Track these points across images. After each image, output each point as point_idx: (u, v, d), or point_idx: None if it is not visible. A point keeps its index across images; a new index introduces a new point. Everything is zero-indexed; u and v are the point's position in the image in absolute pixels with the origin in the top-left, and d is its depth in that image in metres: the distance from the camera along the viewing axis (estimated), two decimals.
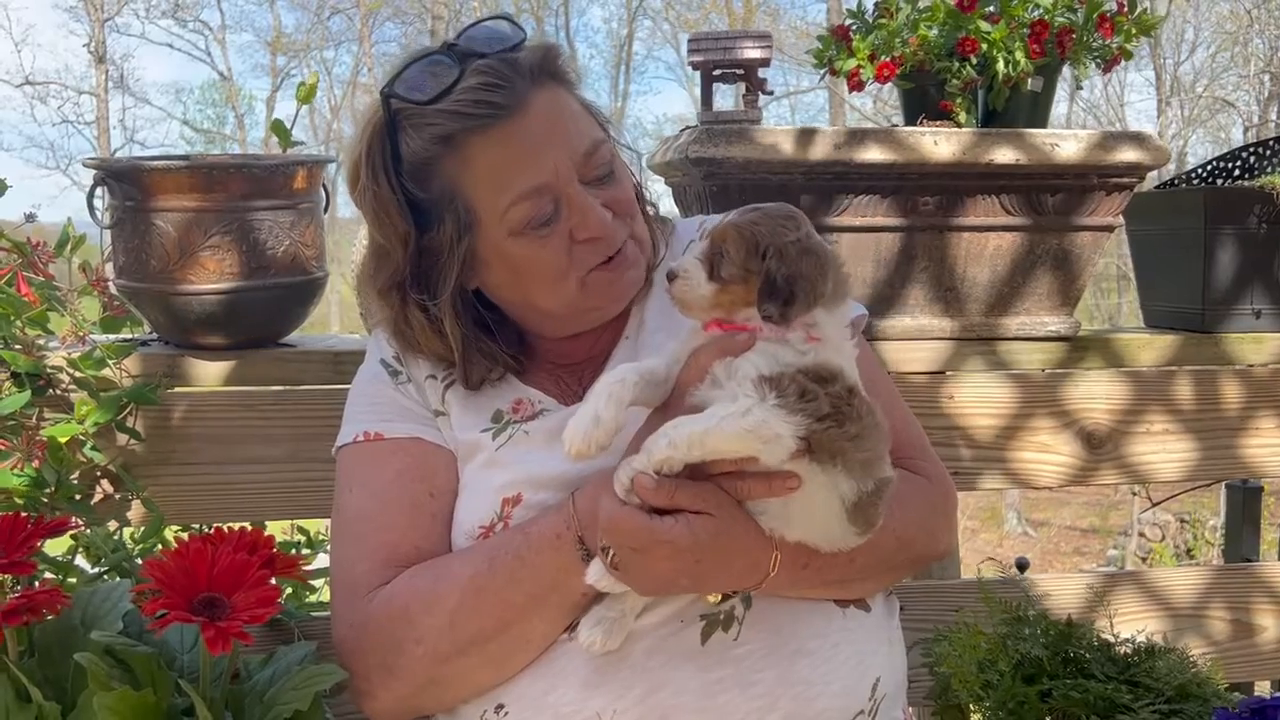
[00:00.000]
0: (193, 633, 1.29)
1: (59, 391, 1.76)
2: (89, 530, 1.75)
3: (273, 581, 1.23)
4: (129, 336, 1.92)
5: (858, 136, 1.93)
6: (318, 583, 2.03)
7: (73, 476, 1.72)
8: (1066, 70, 2.12)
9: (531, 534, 1.27)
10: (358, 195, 1.37)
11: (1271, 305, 2.14)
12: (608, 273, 1.37)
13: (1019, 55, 2.00)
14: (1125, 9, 2.05)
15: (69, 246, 1.82)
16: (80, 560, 1.74)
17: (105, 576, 1.72)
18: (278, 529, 2.37)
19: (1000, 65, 1.99)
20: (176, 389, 1.84)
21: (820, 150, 1.90)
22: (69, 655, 1.19)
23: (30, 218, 1.95)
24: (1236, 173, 2.29)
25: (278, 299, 1.87)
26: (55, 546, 1.57)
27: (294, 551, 2.11)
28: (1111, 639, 1.59)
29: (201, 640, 1.14)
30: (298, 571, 1.40)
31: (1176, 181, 2.37)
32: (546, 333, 1.45)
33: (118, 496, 1.79)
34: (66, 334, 1.76)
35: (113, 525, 1.81)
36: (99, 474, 1.77)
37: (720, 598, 1.25)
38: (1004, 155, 1.94)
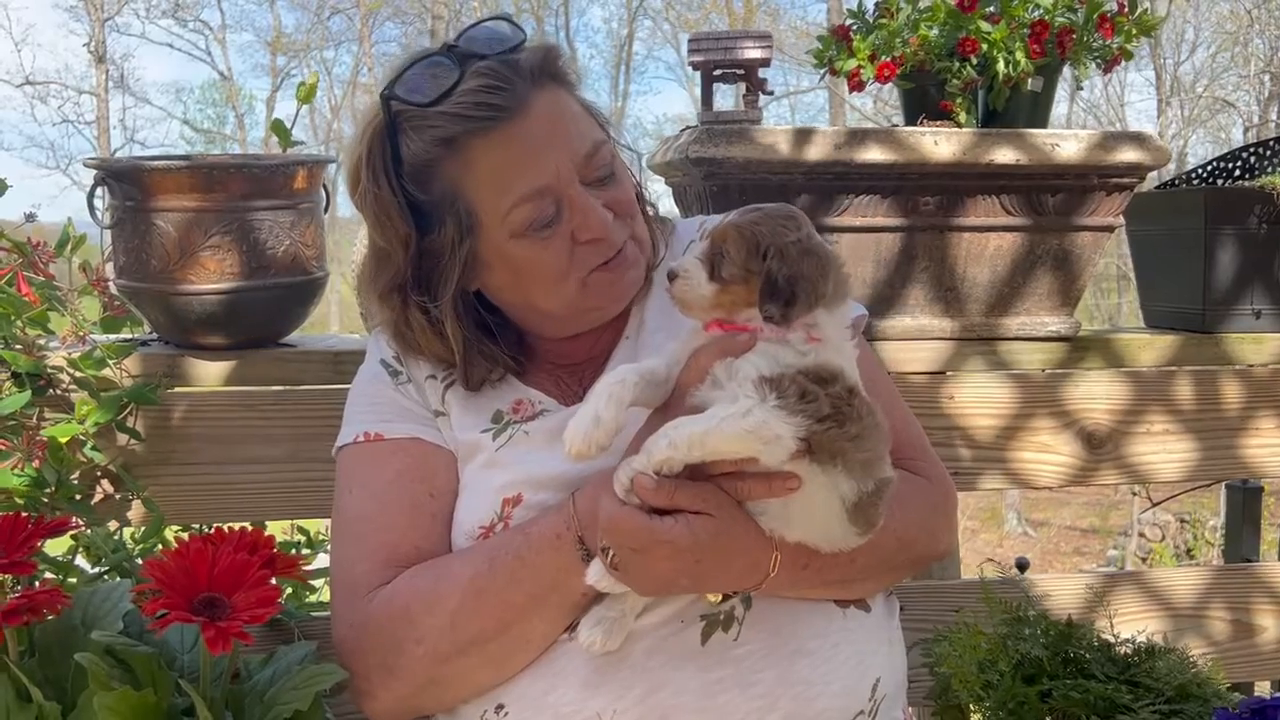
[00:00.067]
0: (193, 633, 1.29)
1: (59, 391, 1.77)
2: (89, 530, 1.75)
3: (273, 581, 1.23)
4: (129, 336, 1.92)
5: (858, 136, 1.93)
6: (318, 583, 2.03)
7: (73, 476, 1.72)
8: (1067, 70, 2.12)
9: (532, 534, 1.27)
10: (358, 198, 1.37)
11: (1272, 305, 2.14)
12: (608, 273, 1.37)
13: (1019, 55, 2.00)
14: (1125, 9, 2.05)
15: (69, 246, 1.82)
16: (80, 560, 1.75)
17: (105, 576, 1.72)
18: (278, 529, 2.37)
19: (1000, 65, 2.00)
20: (177, 389, 1.84)
21: (820, 150, 1.90)
22: (69, 655, 1.19)
23: (30, 218, 1.95)
24: (1237, 173, 2.29)
25: (278, 299, 1.87)
26: (55, 546, 1.57)
27: (294, 551, 2.11)
28: (1112, 639, 1.59)
29: (202, 640, 1.14)
30: (298, 571, 1.40)
31: (1177, 182, 2.37)
32: (547, 333, 1.45)
33: (118, 496, 1.79)
34: (67, 334, 1.76)
35: (113, 525, 1.81)
36: (99, 474, 1.77)
37: (720, 598, 1.25)
38: (1004, 155, 1.94)
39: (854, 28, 2.14)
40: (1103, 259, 2.26)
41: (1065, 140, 1.96)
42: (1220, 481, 2.89)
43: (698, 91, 2.13)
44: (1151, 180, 2.38)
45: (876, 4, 2.13)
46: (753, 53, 2.01)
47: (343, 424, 1.46)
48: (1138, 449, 2.10)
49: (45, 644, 1.25)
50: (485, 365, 1.41)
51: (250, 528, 1.33)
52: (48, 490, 1.68)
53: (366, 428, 1.42)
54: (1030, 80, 2.02)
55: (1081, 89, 2.34)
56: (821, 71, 2.20)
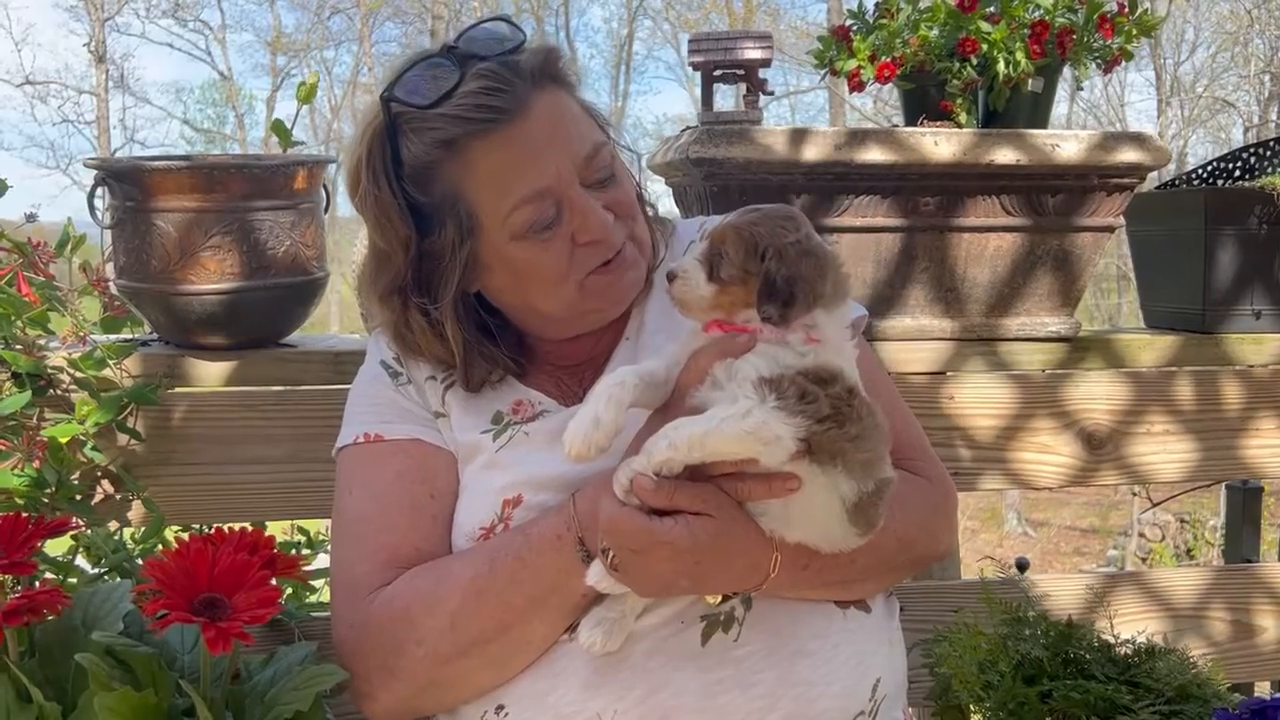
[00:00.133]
0: (193, 633, 1.29)
1: (59, 392, 1.77)
2: (89, 531, 1.75)
3: (273, 582, 1.23)
4: (129, 337, 1.92)
5: (858, 137, 1.93)
6: (318, 583, 2.03)
7: (73, 477, 1.72)
8: (1067, 71, 2.12)
9: (532, 535, 1.27)
10: (358, 200, 1.37)
11: (1272, 306, 2.14)
12: (607, 276, 1.37)
13: (1019, 56, 2.00)
14: (1126, 10, 2.05)
15: (69, 246, 1.82)
16: (81, 561, 1.75)
17: (106, 577, 1.72)
18: (278, 529, 2.36)
19: (1001, 66, 2.00)
20: (177, 389, 1.84)
21: (821, 151, 1.90)
22: (70, 656, 1.19)
23: (31, 218, 1.95)
24: (1237, 173, 2.29)
25: (278, 299, 1.87)
26: (56, 547, 1.57)
27: (294, 552, 2.11)
28: (1112, 640, 1.59)
29: (202, 641, 1.14)
30: (298, 572, 1.40)
31: (1177, 182, 2.37)
32: (547, 335, 1.45)
33: (118, 497, 1.79)
34: (67, 334, 1.76)
35: (113, 525, 1.81)
36: (99, 474, 1.77)
37: (720, 599, 1.25)
38: (1004, 156, 1.94)
39: (854, 28, 2.14)
40: (1103, 259, 2.26)
41: (1065, 141, 1.96)
42: (1220, 482, 2.89)
43: (698, 92, 2.13)
44: (1152, 180, 2.38)
45: (877, 4, 2.14)
46: (753, 53, 2.01)
47: (343, 425, 1.46)
48: (1138, 449, 2.10)
49: (46, 644, 1.25)
50: (485, 366, 1.41)
51: (250, 528, 1.33)
52: (48, 490, 1.68)
53: (367, 429, 1.42)
54: (1030, 81, 2.02)
55: (1082, 89, 2.34)
56: (822, 72, 2.20)
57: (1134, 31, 2.05)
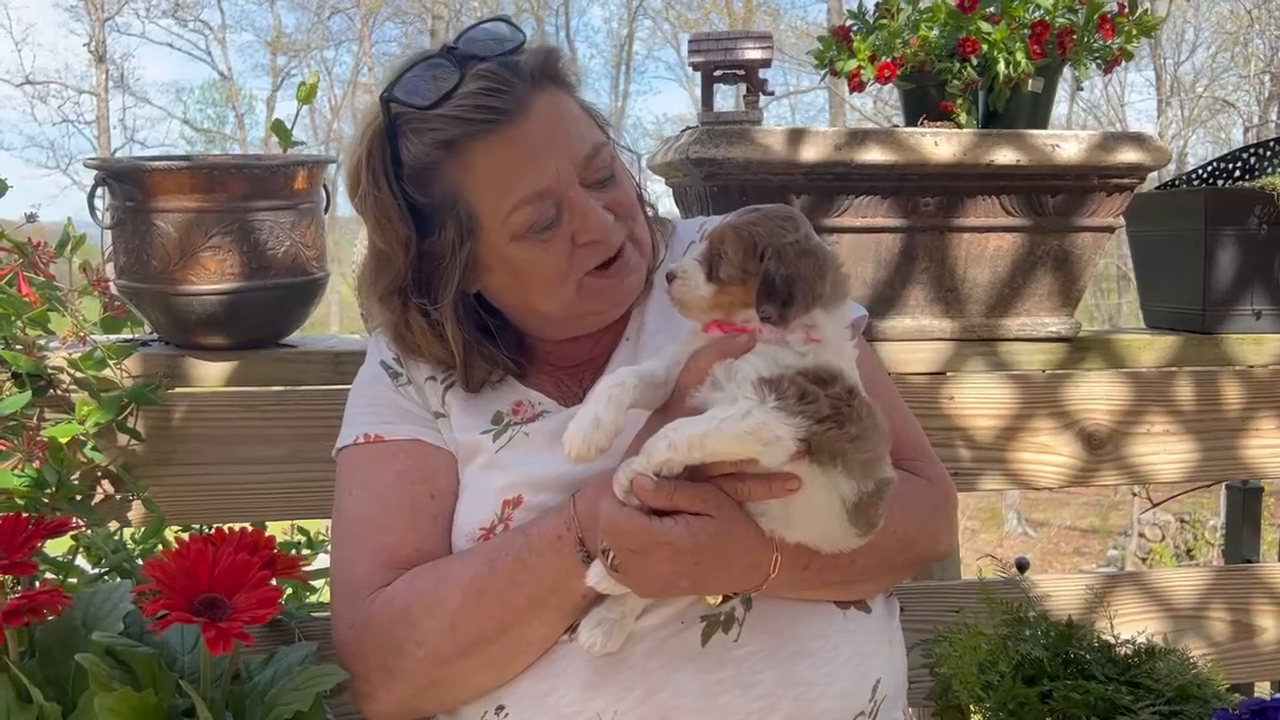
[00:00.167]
0: (193, 633, 1.29)
1: (60, 392, 1.77)
2: (90, 531, 1.75)
3: (273, 582, 1.23)
4: (129, 337, 1.92)
5: (858, 137, 1.93)
6: (318, 583, 2.03)
7: (73, 477, 1.72)
8: (1067, 71, 2.12)
9: (532, 536, 1.27)
10: (358, 201, 1.37)
11: (1272, 306, 2.14)
12: (607, 279, 1.37)
13: (1020, 56, 2.00)
14: (1126, 10, 2.05)
15: (70, 247, 1.82)
16: (81, 561, 1.75)
17: (106, 577, 1.72)
18: (278, 529, 2.36)
19: (1001, 66, 2.00)
20: (177, 389, 1.84)
21: (821, 151, 1.90)
22: (70, 656, 1.19)
23: (31, 218, 1.95)
24: (1237, 173, 2.29)
25: (278, 299, 1.87)
26: (56, 547, 1.57)
27: (294, 552, 2.11)
28: (1112, 640, 1.59)
29: (202, 641, 1.14)
30: (298, 572, 1.40)
31: (1177, 182, 2.37)
32: (547, 335, 1.45)
33: (118, 497, 1.79)
34: (67, 334, 1.76)
35: (113, 526, 1.81)
36: (100, 474, 1.77)
37: (721, 599, 1.25)
38: (1004, 156, 1.94)
39: (854, 28, 2.14)
40: (1103, 259, 2.26)
41: (1065, 141, 1.96)
42: (1220, 482, 2.89)
43: (698, 92, 2.13)
44: (1152, 181, 2.38)
45: (877, 4, 2.14)
46: (753, 53, 2.01)
47: (343, 425, 1.46)
48: (1138, 449, 2.10)
49: (46, 644, 1.25)
50: (485, 367, 1.41)
51: (251, 528, 1.33)
52: (48, 491, 1.68)
53: (367, 429, 1.42)
54: (1030, 81, 2.02)
55: (1082, 89, 2.34)
56: (822, 72, 2.20)
57: (1134, 32, 2.05)
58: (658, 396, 1.22)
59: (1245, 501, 2.42)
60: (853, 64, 2.10)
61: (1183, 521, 11.58)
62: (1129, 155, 1.98)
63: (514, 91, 1.29)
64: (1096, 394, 2.08)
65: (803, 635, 1.28)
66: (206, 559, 1.20)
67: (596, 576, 1.19)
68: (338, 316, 20.57)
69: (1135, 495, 11.41)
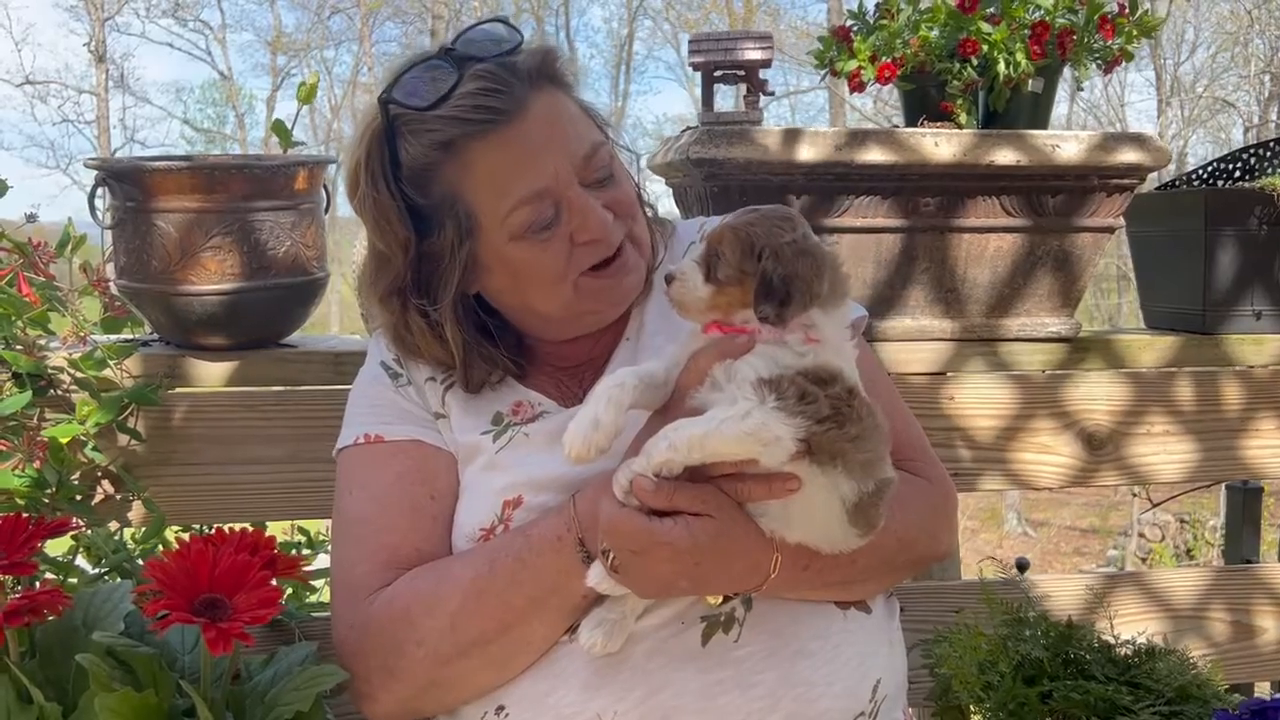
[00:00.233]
0: (194, 633, 1.29)
1: (60, 392, 1.77)
2: (90, 531, 1.75)
3: (274, 582, 1.23)
4: (130, 337, 1.92)
5: (858, 137, 1.93)
6: (318, 583, 2.03)
7: (74, 477, 1.73)
8: (1067, 71, 2.12)
9: (532, 536, 1.27)
10: (357, 202, 1.37)
11: (1272, 306, 2.14)
12: (606, 278, 1.37)
13: (1020, 56, 2.00)
14: (1126, 10, 2.05)
15: (70, 247, 1.82)
16: (81, 561, 1.75)
17: (106, 577, 1.72)
18: (278, 529, 2.37)
19: (1001, 66, 2.00)
20: (177, 389, 1.84)
21: (821, 151, 1.90)
22: (70, 656, 1.19)
23: (31, 218, 1.95)
24: (1237, 174, 2.29)
25: (279, 299, 1.87)
26: (56, 547, 1.57)
27: (295, 552, 2.11)
28: (1112, 640, 1.59)
29: (203, 641, 1.14)
30: (298, 572, 1.40)
31: (1177, 183, 2.37)
32: (546, 336, 1.45)
33: (119, 497, 1.79)
34: (67, 334, 1.76)
35: (114, 526, 1.81)
36: (100, 474, 1.77)
37: (721, 599, 1.25)
38: (1005, 156, 1.94)
39: (854, 29, 2.14)
40: (1103, 259, 2.26)
41: (1066, 141, 1.96)
42: (1220, 482, 2.89)
43: (698, 92, 2.13)
44: (1152, 181, 2.38)
45: (877, 5, 2.14)
46: (753, 54, 2.01)
47: (343, 425, 1.47)
48: (1138, 450, 2.10)
49: (46, 645, 1.25)
50: (485, 368, 1.41)
51: (251, 528, 1.33)
52: (48, 491, 1.68)
53: (367, 429, 1.42)
54: (1031, 81, 2.02)
55: (1082, 90, 2.34)
56: (822, 72, 2.20)
57: (1134, 32, 2.05)
58: (657, 397, 1.22)
59: (1245, 502, 2.42)
60: (853, 64, 2.10)
61: (1183, 522, 11.59)
62: (1129, 155, 1.98)
63: (511, 91, 1.29)
64: (1096, 394, 2.08)
65: (803, 635, 1.28)
66: (207, 559, 1.20)
67: (596, 577, 1.20)
68: (338, 317, 20.58)
69: (1135, 495, 11.41)
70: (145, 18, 24.67)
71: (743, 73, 2.04)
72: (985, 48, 2.00)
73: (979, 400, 2.05)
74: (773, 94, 2.09)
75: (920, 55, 2.04)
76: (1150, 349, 2.14)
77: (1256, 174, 2.25)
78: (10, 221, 1.90)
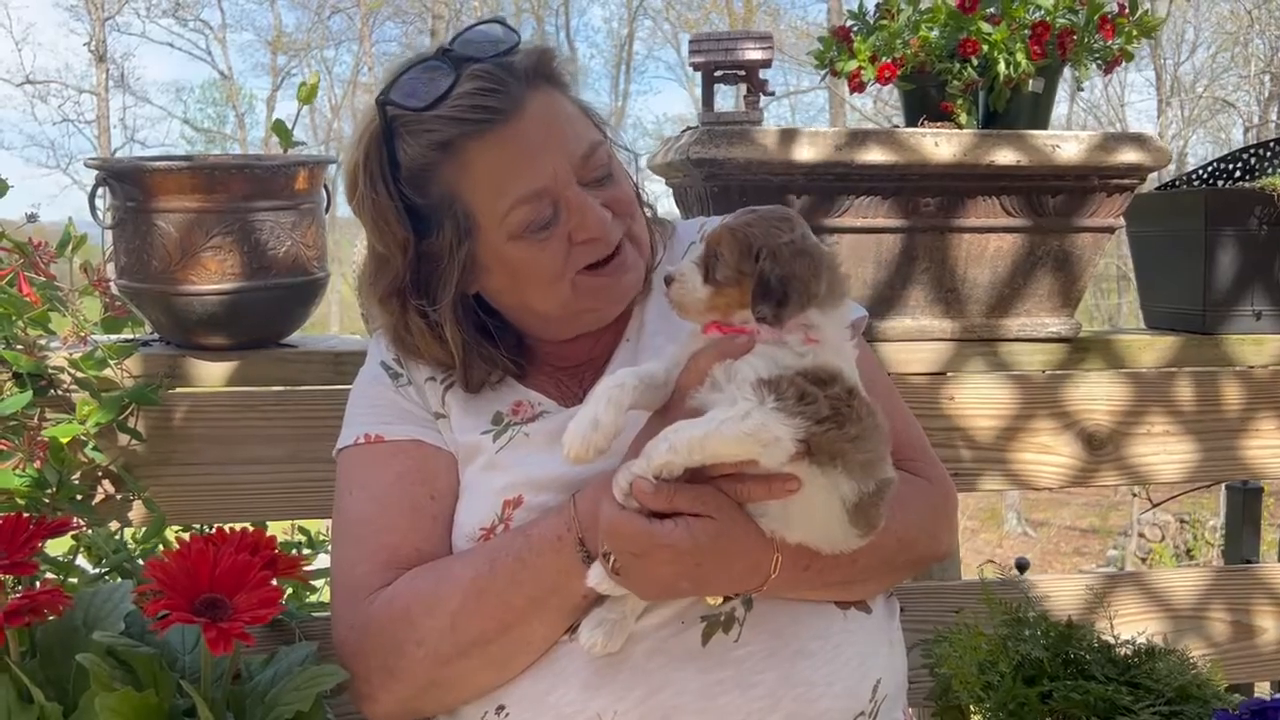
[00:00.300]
0: (194, 633, 1.29)
1: (60, 392, 1.77)
2: (90, 531, 1.75)
3: (274, 582, 1.23)
4: (130, 337, 1.92)
5: (859, 138, 1.93)
6: (318, 583, 2.03)
7: (74, 477, 1.73)
8: (1067, 71, 2.12)
9: (532, 536, 1.27)
10: (356, 203, 1.37)
11: (1272, 307, 2.14)
12: (605, 277, 1.37)
13: (1020, 57, 2.00)
14: (1126, 10, 2.05)
15: (70, 246, 1.82)
16: (82, 561, 1.75)
17: (107, 577, 1.72)
18: (279, 529, 2.37)
19: (1001, 66, 2.00)
20: (178, 389, 1.85)
21: (821, 151, 1.90)
22: (71, 656, 1.19)
23: (32, 218, 1.95)
24: (1237, 174, 2.29)
25: (279, 299, 1.87)
26: (56, 547, 1.57)
27: (295, 552, 2.11)
28: (1112, 640, 1.59)
29: (203, 641, 1.14)
30: (299, 572, 1.40)
31: (1177, 183, 2.38)
32: (545, 336, 1.45)
33: (119, 497, 1.80)
34: (68, 334, 1.76)
35: (114, 526, 1.81)
36: (100, 474, 1.77)
37: (721, 599, 1.25)
38: (1005, 156, 1.94)
39: (855, 29, 2.14)
40: (1103, 260, 2.26)
41: (1066, 141, 1.96)
42: (1220, 482, 2.89)
43: (698, 91, 2.13)
44: (1152, 181, 2.38)
45: (877, 5, 2.14)
46: (754, 54, 2.01)
47: (343, 425, 1.47)
48: (1138, 450, 2.10)
49: (47, 645, 1.25)
50: (484, 368, 1.41)
51: (251, 528, 1.34)
52: (49, 491, 1.68)
53: (367, 429, 1.42)
54: (1031, 81, 2.03)
55: (1082, 90, 2.34)
56: (822, 72, 2.20)
57: (1134, 32, 2.05)
58: (657, 398, 1.22)
59: (1245, 502, 2.42)
60: (853, 64, 2.10)
61: (1183, 522, 11.59)
62: (1129, 156, 1.98)
63: (509, 91, 1.29)
64: (1096, 394, 2.08)
65: (803, 635, 1.28)
66: (207, 559, 1.20)
67: (597, 578, 1.20)
68: (338, 316, 20.58)
69: (1135, 495, 11.41)
70: (145, 17, 24.65)
71: (743, 73, 2.04)
72: (985, 48, 2.00)
73: (979, 400, 2.05)
74: (773, 94, 2.09)
75: (920, 55, 2.04)
76: (1150, 349, 2.14)
77: (1256, 174, 2.25)
78: (10, 221, 1.90)
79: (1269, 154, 2.25)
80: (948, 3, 2.03)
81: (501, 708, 1.29)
